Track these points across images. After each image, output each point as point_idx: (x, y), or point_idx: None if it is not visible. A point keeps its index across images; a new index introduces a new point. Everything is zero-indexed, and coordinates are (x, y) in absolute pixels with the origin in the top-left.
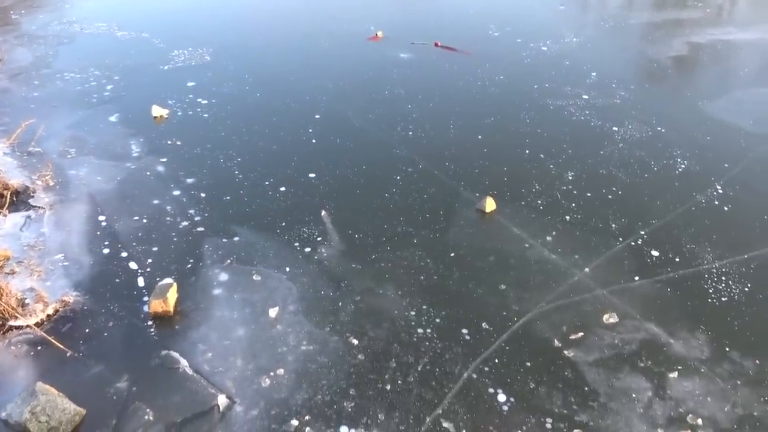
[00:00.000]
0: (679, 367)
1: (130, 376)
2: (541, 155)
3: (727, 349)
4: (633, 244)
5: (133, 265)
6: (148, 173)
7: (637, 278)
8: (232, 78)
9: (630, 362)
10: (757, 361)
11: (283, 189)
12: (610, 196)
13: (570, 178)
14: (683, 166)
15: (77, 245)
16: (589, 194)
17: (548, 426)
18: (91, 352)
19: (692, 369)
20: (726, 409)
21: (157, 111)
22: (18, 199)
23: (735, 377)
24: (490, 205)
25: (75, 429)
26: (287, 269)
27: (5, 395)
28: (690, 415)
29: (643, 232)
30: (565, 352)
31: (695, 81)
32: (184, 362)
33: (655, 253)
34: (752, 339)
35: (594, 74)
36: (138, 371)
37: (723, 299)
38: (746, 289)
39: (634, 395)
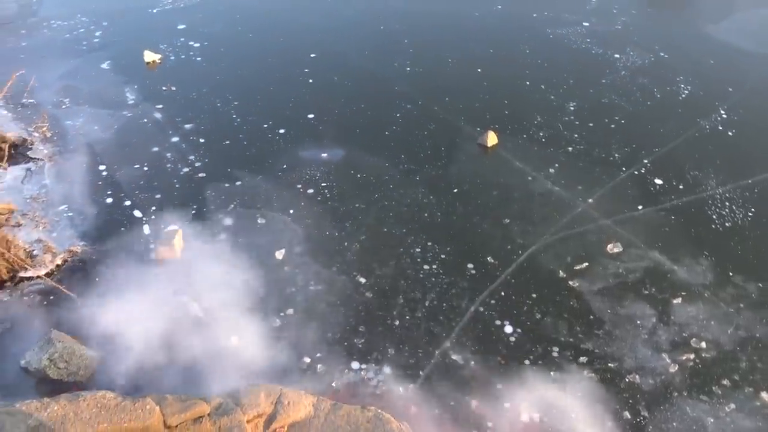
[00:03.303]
0: (683, 293)
1: (143, 321)
2: (542, 86)
3: (731, 273)
4: (636, 173)
5: (137, 213)
6: (145, 120)
7: (640, 207)
8: (223, 19)
9: (634, 290)
10: (760, 285)
11: (282, 131)
12: (612, 126)
13: (572, 108)
14: (686, 92)
15: (80, 195)
16: (591, 124)
17: (555, 355)
18: (102, 300)
19: (696, 294)
20: (729, 332)
21: (150, 56)
22: (16, 152)
23: (738, 301)
24: (491, 139)
25: (93, 374)
26: (291, 211)
27: (22, 344)
28: (693, 339)
29: (646, 161)
30: (570, 282)
31: (698, 3)
32: (194, 306)
33: (658, 181)
34: (755, 263)
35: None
36: (150, 316)
37: (726, 225)
38: (750, 213)
39: (638, 322)
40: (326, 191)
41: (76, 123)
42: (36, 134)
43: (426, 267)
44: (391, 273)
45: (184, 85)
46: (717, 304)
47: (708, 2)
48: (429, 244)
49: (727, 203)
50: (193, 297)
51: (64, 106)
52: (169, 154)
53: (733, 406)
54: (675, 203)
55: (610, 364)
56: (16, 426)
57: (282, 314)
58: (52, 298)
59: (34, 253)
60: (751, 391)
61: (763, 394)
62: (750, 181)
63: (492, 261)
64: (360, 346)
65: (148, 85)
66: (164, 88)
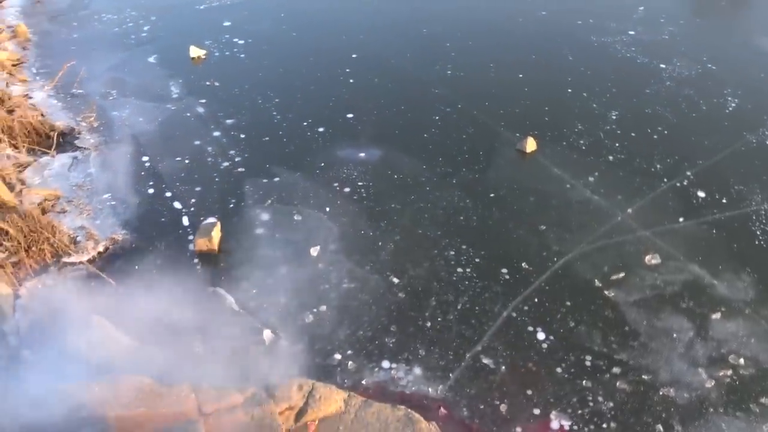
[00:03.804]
0: (723, 309)
1: (179, 311)
2: (584, 94)
3: None
4: (678, 184)
5: (177, 205)
6: (188, 114)
7: (681, 219)
8: (268, 17)
9: (672, 303)
10: None
11: (321, 129)
12: (655, 136)
13: (614, 117)
14: (734, 104)
15: (123, 185)
16: (633, 134)
17: (587, 364)
18: (141, 288)
19: (736, 310)
20: None
21: (195, 52)
22: (64, 141)
23: None
24: (531, 145)
25: (130, 360)
26: (327, 209)
27: (63, 328)
28: (732, 356)
29: (689, 173)
30: (606, 292)
31: (749, 14)
32: (230, 298)
33: (701, 194)
34: None
35: (641, 8)
36: (186, 307)
37: None
38: None
39: (675, 335)
40: (362, 191)
41: (122, 114)
42: (83, 124)
43: (459, 270)
44: (425, 274)
45: (227, 81)
46: (758, 321)
47: (758, 13)
48: (463, 247)
49: None
50: (228, 289)
51: (111, 98)
52: (210, 148)
53: None
54: (717, 217)
55: (644, 376)
56: (59, 405)
57: (315, 310)
58: (92, 284)
59: (78, 239)
60: None
61: None
62: None
63: (527, 267)
64: (391, 345)
65: (192, 80)
66: (208, 83)
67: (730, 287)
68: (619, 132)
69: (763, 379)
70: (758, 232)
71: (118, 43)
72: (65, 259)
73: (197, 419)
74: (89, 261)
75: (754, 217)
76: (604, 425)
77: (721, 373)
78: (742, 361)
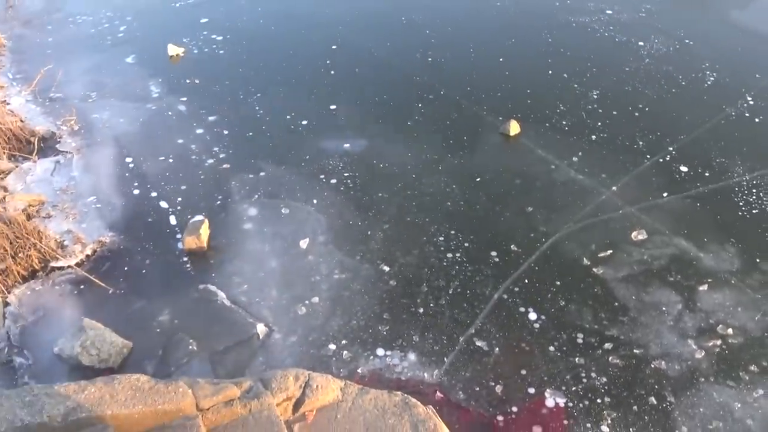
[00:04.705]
0: (709, 280)
1: (171, 309)
2: (565, 75)
3: (758, 260)
4: (661, 160)
5: (163, 204)
6: (170, 113)
7: (665, 194)
8: (246, 12)
9: (659, 277)
10: None
11: (304, 122)
12: (636, 114)
13: (595, 96)
14: (712, 78)
15: (108, 187)
16: (615, 112)
17: (579, 341)
18: (131, 289)
19: (722, 281)
20: (756, 318)
21: (173, 50)
22: (45, 145)
23: (765, 287)
24: (514, 128)
25: (124, 360)
26: (315, 201)
27: (55, 332)
28: (720, 326)
29: (671, 148)
30: (594, 269)
31: None
32: (221, 294)
33: (684, 168)
34: None
35: None
36: (178, 305)
37: (754, 212)
38: None
39: (663, 309)
40: (349, 181)
41: (102, 116)
42: (64, 128)
43: (449, 255)
44: (415, 261)
45: (208, 77)
46: (744, 291)
47: None
48: (452, 232)
49: (753, 190)
50: (219, 286)
51: (90, 100)
52: (193, 146)
53: (761, 391)
54: (701, 190)
55: (635, 351)
56: (55, 407)
57: (307, 302)
58: (82, 287)
59: (65, 243)
60: None
61: None
62: None
63: (515, 249)
64: (385, 333)
65: (172, 79)
66: (188, 81)
67: (715, 258)
68: (600, 111)
69: (751, 348)
70: (741, 203)
71: (95, 45)
72: (53, 264)
73: (195, 414)
74: (77, 265)
75: (736, 189)
76: (598, 400)
77: (710, 344)
78: (730, 330)
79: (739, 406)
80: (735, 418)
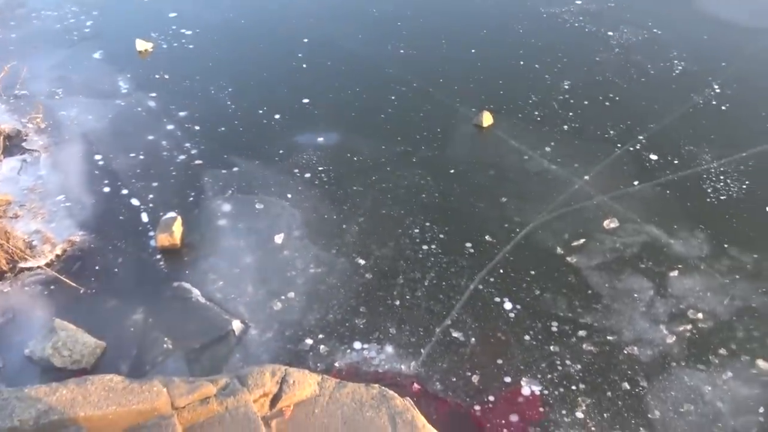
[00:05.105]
0: (680, 266)
1: (145, 308)
2: (536, 65)
3: (726, 245)
4: (632, 149)
5: (135, 202)
6: (140, 109)
7: (636, 182)
8: (215, 6)
9: (631, 264)
10: (755, 256)
11: (277, 116)
12: (607, 103)
13: (566, 87)
14: (680, 67)
15: (77, 185)
16: (586, 102)
17: (554, 329)
18: (103, 288)
19: (692, 267)
20: (725, 302)
21: (142, 45)
22: (11, 144)
23: (733, 272)
24: (487, 119)
25: (97, 361)
26: (289, 195)
27: (25, 334)
28: (690, 311)
29: (641, 137)
30: (568, 258)
31: None
32: (196, 292)
33: (654, 156)
34: (750, 234)
35: None
36: (152, 303)
37: (722, 198)
38: (744, 186)
39: (636, 295)
40: (323, 175)
41: (70, 113)
42: (30, 125)
43: (425, 247)
44: (391, 254)
45: (177, 72)
46: (713, 276)
47: None
48: (427, 224)
49: (721, 177)
50: (194, 283)
51: (57, 97)
52: (164, 142)
53: (730, 374)
54: (670, 178)
55: (609, 337)
56: (26, 410)
57: (283, 297)
58: (52, 287)
59: (33, 243)
60: (748, 359)
61: (759, 362)
62: (744, 155)
63: (490, 239)
64: (361, 326)
65: (140, 74)
66: (157, 76)
67: (685, 245)
68: (572, 101)
69: (720, 331)
70: (709, 190)
71: (61, 41)
72: (22, 265)
73: (171, 413)
74: (47, 265)
75: (704, 176)
76: (573, 387)
77: (681, 329)
78: (700, 315)
79: (709, 389)
80: (705, 401)
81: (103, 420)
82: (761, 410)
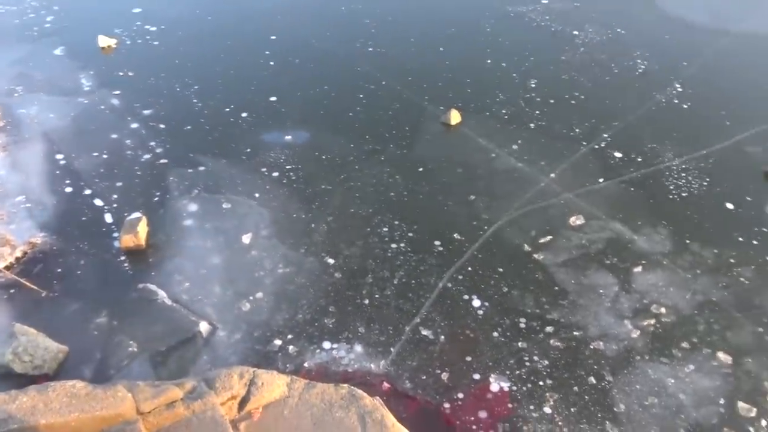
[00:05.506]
0: (643, 262)
1: (109, 311)
2: (504, 64)
3: (688, 241)
4: (596, 147)
5: (98, 202)
6: (103, 107)
7: (601, 180)
8: (180, 1)
9: (597, 260)
10: (716, 251)
11: (244, 114)
12: (573, 102)
13: (533, 85)
14: (643, 66)
15: (38, 186)
16: (552, 101)
17: (522, 326)
18: (66, 291)
19: (655, 262)
20: (687, 297)
21: (105, 41)
22: None
23: (695, 267)
24: (455, 117)
25: (60, 366)
26: (257, 195)
27: None
28: (654, 305)
29: (606, 135)
30: (535, 255)
31: None
32: (162, 293)
33: (617, 154)
34: (711, 230)
35: None
36: (117, 306)
37: (683, 194)
38: (705, 183)
39: (601, 291)
40: (291, 174)
41: (30, 111)
42: None
43: (394, 246)
44: (360, 253)
45: (142, 70)
46: (675, 271)
47: None
48: (396, 223)
49: (683, 174)
50: (159, 284)
51: (16, 95)
52: (128, 141)
53: (692, 366)
54: (634, 175)
55: (575, 333)
56: None
57: (251, 298)
58: (12, 291)
59: None
60: (709, 351)
61: (720, 354)
62: (704, 152)
63: (458, 237)
64: (331, 326)
65: (104, 71)
66: (121, 73)
67: (649, 241)
68: (538, 99)
69: (683, 325)
70: (671, 187)
71: (20, 36)
72: None
73: (135, 419)
74: (6, 268)
75: (667, 173)
76: (541, 383)
77: (645, 323)
78: (663, 309)
79: (672, 381)
80: (669, 393)
81: (65, 428)
82: (722, 401)
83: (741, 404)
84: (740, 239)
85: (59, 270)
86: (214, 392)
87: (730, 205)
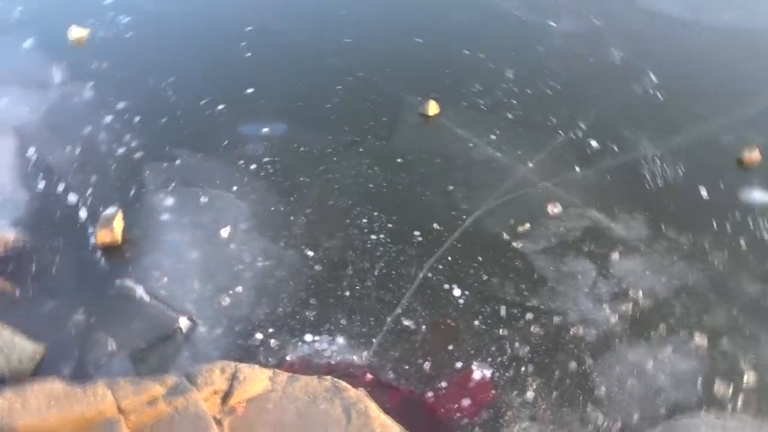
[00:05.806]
0: (620, 248)
1: (87, 308)
2: (481, 54)
3: (664, 227)
4: (573, 136)
5: (72, 197)
6: (75, 100)
7: (578, 169)
8: None
9: (575, 247)
10: (691, 237)
11: (221, 107)
12: (549, 92)
13: (510, 76)
14: (619, 57)
15: (9, 182)
16: (529, 91)
17: (502, 314)
18: (41, 289)
19: (632, 248)
20: (663, 281)
21: (76, 33)
22: None
23: (671, 252)
24: (433, 108)
25: (37, 366)
26: (235, 188)
27: None
28: (631, 290)
29: (582, 124)
30: (514, 243)
31: None
32: (140, 289)
33: (594, 143)
34: (686, 217)
35: None
36: (94, 303)
37: (658, 182)
38: (680, 170)
39: (579, 277)
40: (269, 166)
41: (0, 105)
42: None
43: (373, 237)
44: (339, 245)
45: (115, 62)
46: (652, 256)
47: None
48: (375, 214)
49: (658, 162)
50: (137, 280)
51: None
52: (103, 135)
53: (669, 348)
54: (610, 164)
55: (555, 319)
56: None
57: (231, 292)
58: None
59: None
60: (686, 334)
61: (697, 337)
62: (679, 141)
63: (438, 227)
64: (312, 318)
65: (76, 64)
66: (94, 65)
67: (626, 227)
68: (515, 90)
69: (660, 309)
70: (647, 175)
71: None
72: None
73: (117, 417)
74: None
75: (642, 162)
76: (523, 369)
77: (623, 308)
78: (640, 293)
79: (651, 363)
80: (648, 375)
81: (44, 428)
82: (699, 381)
83: (718, 384)
84: (715, 225)
85: (34, 268)
86: (196, 388)
87: (704, 192)
